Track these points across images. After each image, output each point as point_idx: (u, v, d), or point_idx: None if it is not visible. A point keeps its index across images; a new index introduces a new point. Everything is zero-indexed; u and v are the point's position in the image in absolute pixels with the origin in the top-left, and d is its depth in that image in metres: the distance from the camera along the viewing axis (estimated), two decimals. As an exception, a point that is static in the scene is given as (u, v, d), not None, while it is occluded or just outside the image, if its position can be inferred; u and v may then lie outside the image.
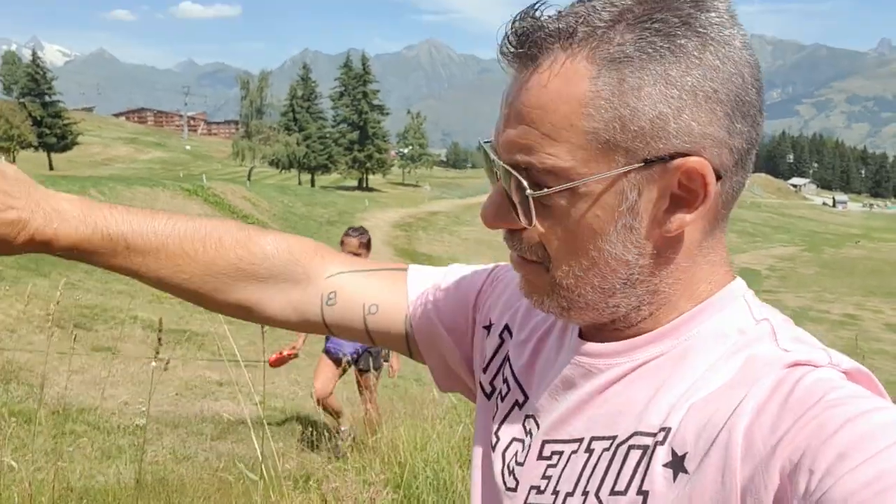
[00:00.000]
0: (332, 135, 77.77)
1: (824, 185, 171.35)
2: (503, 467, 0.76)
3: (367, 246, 5.23)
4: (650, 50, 0.59)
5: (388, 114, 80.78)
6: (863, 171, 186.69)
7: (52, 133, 64.53)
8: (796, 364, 0.59)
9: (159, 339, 2.70)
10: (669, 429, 0.61)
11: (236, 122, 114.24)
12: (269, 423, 4.51)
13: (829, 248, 61.79)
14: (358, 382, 5.42)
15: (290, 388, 6.91)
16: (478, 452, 0.82)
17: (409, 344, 0.93)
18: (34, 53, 71.43)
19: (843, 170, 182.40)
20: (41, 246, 0.80)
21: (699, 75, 0.59)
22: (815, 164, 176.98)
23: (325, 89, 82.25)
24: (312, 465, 4.17)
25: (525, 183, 0.62)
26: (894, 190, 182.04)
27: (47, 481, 3.27)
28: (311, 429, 5.59)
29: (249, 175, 67.49)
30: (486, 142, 0.68)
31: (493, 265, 0.94)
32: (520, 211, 0.64)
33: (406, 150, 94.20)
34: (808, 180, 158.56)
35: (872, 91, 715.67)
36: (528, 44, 0.61)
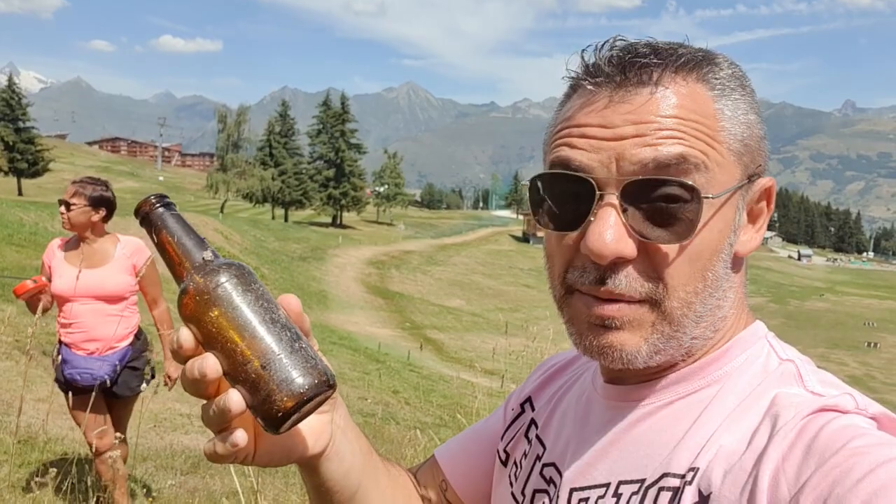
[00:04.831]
0: (308, 171, 77.77)
1: (790, 238, 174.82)
2: None
3: (94, 203, 3.56)
4: (738, 85, 0.65)
5: (365, 153, 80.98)
6: (830, 228, 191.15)
7: (24, 159, 63.75)
8: (822, 409, 0.58)
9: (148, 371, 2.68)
10: (697, 469, 0.60)
11: (211, 155, 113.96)
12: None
13: (795, 300, 62.94)
14: (110, 411, 3.89)
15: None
16: None
17: None
18: (10, 79, 70.88)
19: (807, 224, 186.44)
20: (304, 469, 0.74)
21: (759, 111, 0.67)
22: (782, 218, 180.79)
23: (303, 126, 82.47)
24: (288, 502, 4.08)
25: (697, 188, 0.60)
26: (857, 246, 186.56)
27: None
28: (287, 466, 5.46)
29: (223, 208, 67.14)
30: (567, 172, 0.64)
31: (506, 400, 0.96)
32: (678, 223, 0.61)
33: (381, 189, 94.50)
34: (774, 233, 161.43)
35: (836, 150, 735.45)
36: (639, 66, 0.62)
